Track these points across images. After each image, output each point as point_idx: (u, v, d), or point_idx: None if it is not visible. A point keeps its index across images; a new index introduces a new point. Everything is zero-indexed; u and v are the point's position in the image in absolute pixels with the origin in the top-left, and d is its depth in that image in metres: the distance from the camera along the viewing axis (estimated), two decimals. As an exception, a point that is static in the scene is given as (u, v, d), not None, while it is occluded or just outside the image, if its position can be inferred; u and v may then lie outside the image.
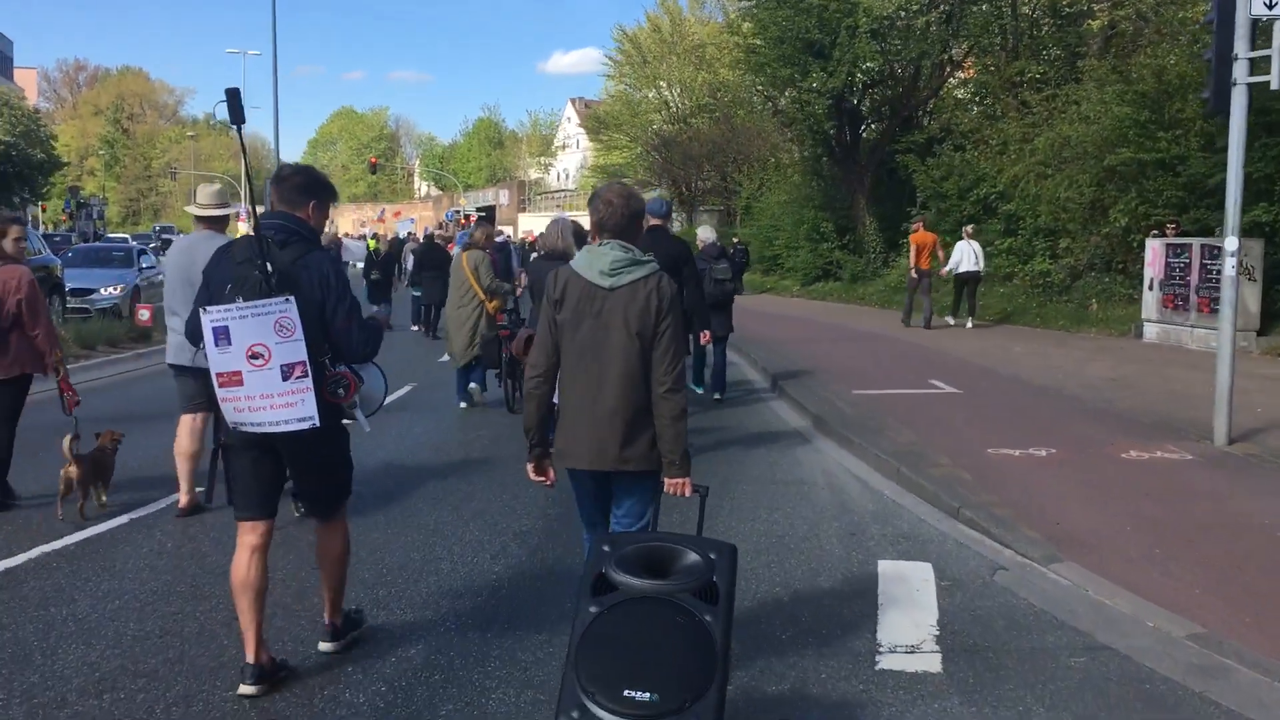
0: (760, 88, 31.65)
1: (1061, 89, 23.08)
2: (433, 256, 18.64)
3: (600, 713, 3.19)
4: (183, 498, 6.70)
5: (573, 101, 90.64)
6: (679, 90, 50.26)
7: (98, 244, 27.41)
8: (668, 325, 4.01)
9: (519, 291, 11.62)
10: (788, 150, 37.36)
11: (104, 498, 6.82)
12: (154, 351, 15.54)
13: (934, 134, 28.04)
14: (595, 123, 56.98)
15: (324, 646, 4.56)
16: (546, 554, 6.07)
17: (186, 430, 6.72)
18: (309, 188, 4.30)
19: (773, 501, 7.32)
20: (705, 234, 11.68)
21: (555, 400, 4.23)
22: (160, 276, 22.20)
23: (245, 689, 4.10)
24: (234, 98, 3.98)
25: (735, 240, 37.16)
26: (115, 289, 20.35)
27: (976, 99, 27.92)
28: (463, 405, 11.12)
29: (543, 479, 4.24)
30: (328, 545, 4.48)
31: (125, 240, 33.58)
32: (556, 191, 79.50)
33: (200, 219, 6.77)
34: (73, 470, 6.48)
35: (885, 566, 5.84)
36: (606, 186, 4.30)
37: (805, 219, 31.85)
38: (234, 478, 4.30)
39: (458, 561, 5.92)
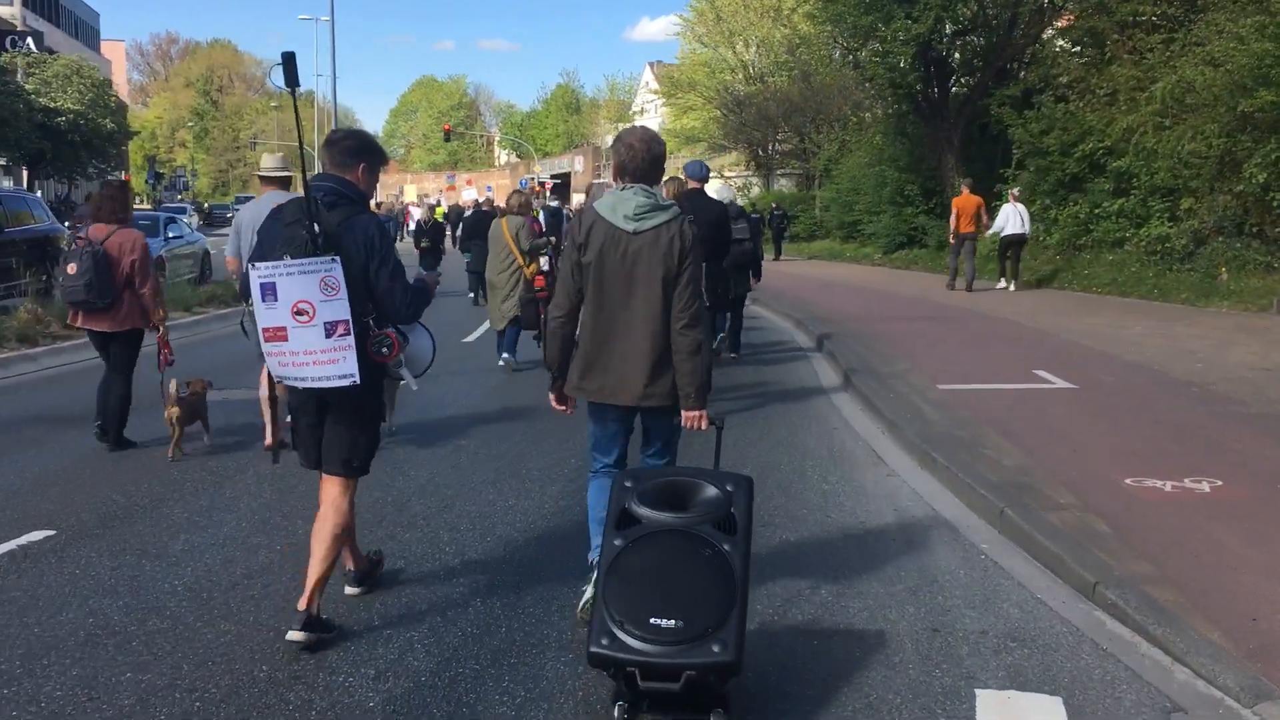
0: (839, 39, 29.11)
1: (1180, 30, 20.33)
2: (480, 225, 17.45)
3: (629, 640, 3.38)
4: (269, 438, 6.75)
5: (650, 65, 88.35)
6: (756, 48, 47.82)
7: None
8: (688, 265, 4.17)
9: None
10: (870, 108, 34.82)
11: (207, 438, 7.59)
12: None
13: (1032, 85, 25.31)
14: (670, 85, 54.65)
15: (350, 590, 4.75)
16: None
17: (266, 377, 6.33)
18: (359, 151, 4.36)
19: (820, 555, 5.25)
20: (723, 194, 11.40)
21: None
22: (188, 246, 20.81)
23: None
24: (289, 62, 4.04)
25: (774, 205, 36.61)
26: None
27: (1081, 44, 25.03)
28: (501, 362, 11.33)
29: (563, 408, 4.52)
30: (324, 514, 4.33)
31: (173, 209, 32.39)
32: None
33: (265, 179, 7.53)
34: (174, 411, 7.12)
35: (988, 700, 3.73)
36: (628, 130, 4.38)
37: (888, 181, 29.40)
38: (295, 433, 4.53)
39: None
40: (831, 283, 23.16)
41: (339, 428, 4.33)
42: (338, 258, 4.01)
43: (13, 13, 59.95)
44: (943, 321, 14.56)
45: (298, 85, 4.10)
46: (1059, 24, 26.51)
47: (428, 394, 8.72)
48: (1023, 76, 26.40)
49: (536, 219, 13.62)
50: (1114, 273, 18.82)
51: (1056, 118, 21.82)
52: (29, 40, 54.87)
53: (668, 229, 4.17)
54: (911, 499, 6.27)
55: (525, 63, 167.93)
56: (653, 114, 79.50)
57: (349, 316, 4.03)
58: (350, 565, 4.72)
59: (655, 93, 67.02)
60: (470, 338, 14.17)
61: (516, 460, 7.24)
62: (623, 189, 4.25)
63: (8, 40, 54.01)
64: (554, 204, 26.72)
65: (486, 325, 12.16)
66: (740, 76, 47.96)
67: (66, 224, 19.16)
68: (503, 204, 13.18)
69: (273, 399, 5.37)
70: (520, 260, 10.89)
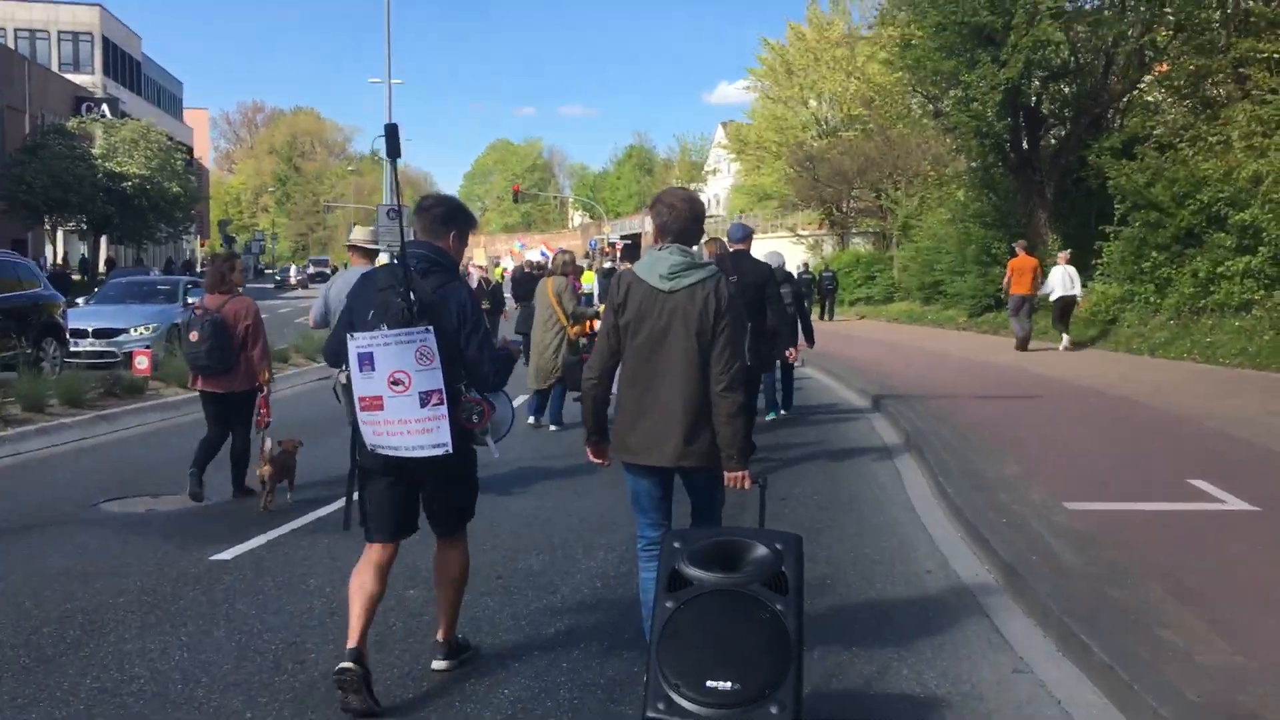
0: (918, 88, 27.13)
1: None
2: (526, 287, 18.21)
3: (685, 704, 3.36)
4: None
5: (723, 125, 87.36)
6: (828, 103, 46.05)
7: (140, 277, 24.80)
8: (725, 325, 4.16)
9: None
10: (952, 162, 32.67)
11: (290, 496, 7.86)
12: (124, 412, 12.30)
13: (1135, 133, 23.03)
14: (739, 143, 53.04)
15: (437, 665, 4.63)
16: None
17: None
18: (450, 217, 4.43)
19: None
20: (773, 260, 10.99)
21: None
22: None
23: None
24: (392, 134, 4.11)
25: (824, 269, 36.07)
26: (147, 329, 17.42)
27: (1186, 88, 22.70)
28: (530, 421, 11.42)
29: (601, 461, 4.51)
30: (447, 565, 4.54)
31: (156, 274, 31.75)
32: (707, 217, 75.75)
33: (356, 250, 7.84)
34: (266, 470, 7.51)
35: None
36: (667, 190, 4.43)
37: (973, 239, 27.14)
38: (368, 500, 4.39)
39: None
40: (910, 349, 20.97)
41: (442, 495, 4.40)
42: (431, 327, 4.04)
43: (93, 80, 60.81)
44: (1048, 401, 12.33)
45: (399, 155, 4.12)
46: (1159, 69, 24.25)
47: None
48: (1120, 125, 24.16)
49: (579, 280, 13.42)
50: (1243, 342, 16.36)
51: (1165, 167, 19.50)
52: (104, 107, 55.35)
53: (703, 287, 4.18)
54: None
55: (602, 127, 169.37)
56: (725, 173, 78.20)
57: (443, 386, 4.07)
58: (440, 636, 4.65)
59: (723, 147, 65.67)
60: (518, 401, 12.40)
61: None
62: (660, 249, 4.30)
63: (83, 106, 54.52)
64: (609, 265, 25.00)
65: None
66: (812, 132, 46.14)
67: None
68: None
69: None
70: (563, 320, 11.01)
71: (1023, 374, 15.36)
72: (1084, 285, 23.19)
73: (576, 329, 11.10)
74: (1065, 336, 19.77)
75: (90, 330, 17.30)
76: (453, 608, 4.57)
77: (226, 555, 6.44)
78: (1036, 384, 14.06)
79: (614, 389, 4.44)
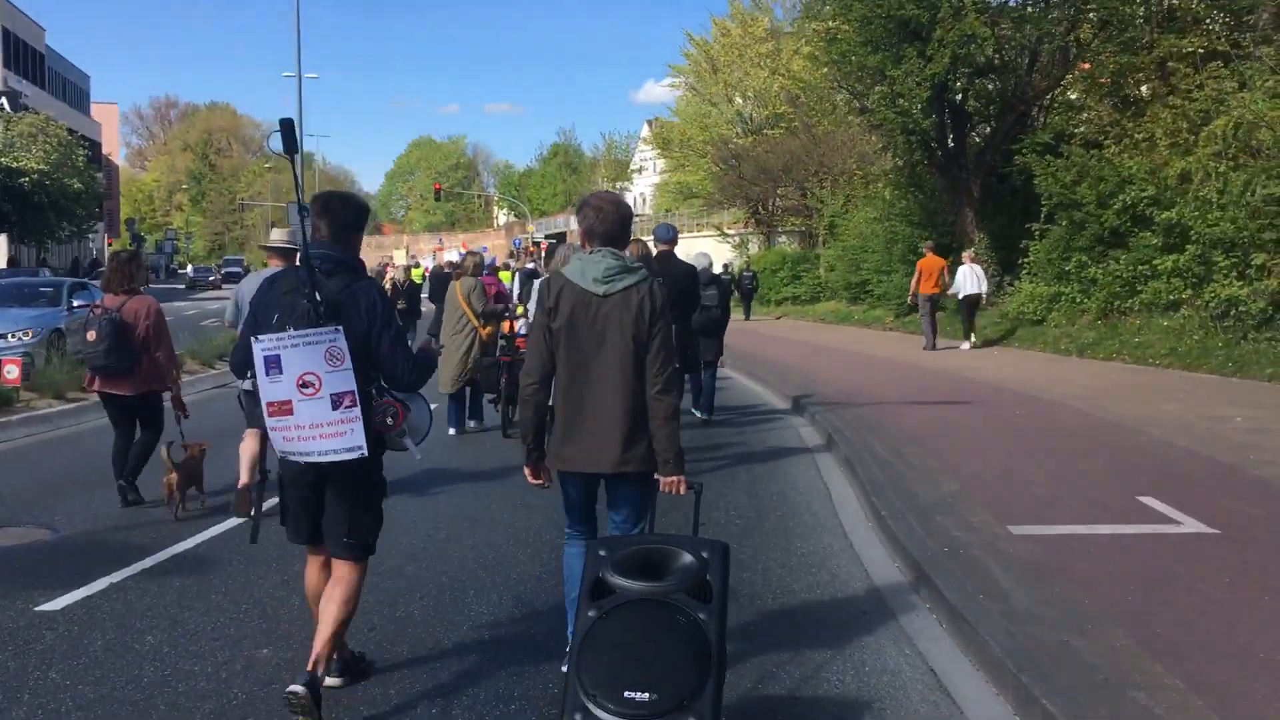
0: (843, 84, 26.65)
1: (1230, 65, 17.86)
2: (441, 288, 17.13)
3: (602, 714, 3.27)
4: (243, 477, 7.38)
5: (649, 123, 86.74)
6: (753, 100, 45.66)
7: (22, 279, 23.32)
8: (659, 329, 4.12)
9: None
10: (878, 160, 32.36)
11: (205, 501, 7.74)
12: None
13: (1061, 130, 22.80)
14: (663, 141, 52.44)
15: (331, 682, 4.35)
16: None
17: (252, 435, 7.26)
18: (358, 221, 4.33)
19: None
20: (699, 261, 11.32)
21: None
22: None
23: (330, 681, 4.21)
24: (288, 128, 3.98)
25: (745, 268, 36.11)
26: (25, 334, 16.16)
27: (1108, 87, 22.52)
28: (452, 432, 11.13)
29: (539, 482, 4.36)
30: (335, 588, 4.19)
31: (47, 274, 30.42)
32: (634, 217, 75.07)
33: (273, 251, 7.44)
34: (173, 477, 7.36)
35: None
36: (595, 194, 4.41)
37: (899, 238, 26.85)
38: (286, 508, 4.29)
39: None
40: (835, 350, 20.51)
41: (340, 506, 4.19)
42: (340, 327, 3.95)
43: (-8, 74, 58.16)
44: (980, 406, 11.80)
45: (297, 151, 4.05)
46: (1082, 68, 24.09)
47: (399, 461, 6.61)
48: (1045, 122, 23.96)
49: (497, 280, 13.14)
50: (1172, 341, 16.07)
51: (1090, 165, 19.22)
52: (3, 100, 52.86)
53: (637, 290, 4.15)
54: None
55: (529, 125, 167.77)
56: (651, 171, 77.71)
57: (355, 387, 3.96)
58: (335, 653, 4.32)
59: (648, 143, 64.98)
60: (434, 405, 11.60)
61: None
62: (591, 252, 4.24)
63: (-20, 101, 52.02)
64: (529, 266, 24.15)
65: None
66: (737, 129, 45.71)
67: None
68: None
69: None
70: (475, 323, 10.84)
71: (951, 378, 14.86)
72: (1010, 284, 23.00)
73: (489, 329, 10.93)
74: (971, 335, 20.09)
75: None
76: (339, 624, 4.18)
77: (55, 605, 5.52)
78: (966, 388, 13.56)
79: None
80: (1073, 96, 25.05)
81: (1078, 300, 19.56)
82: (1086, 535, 6.26)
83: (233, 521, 7.25)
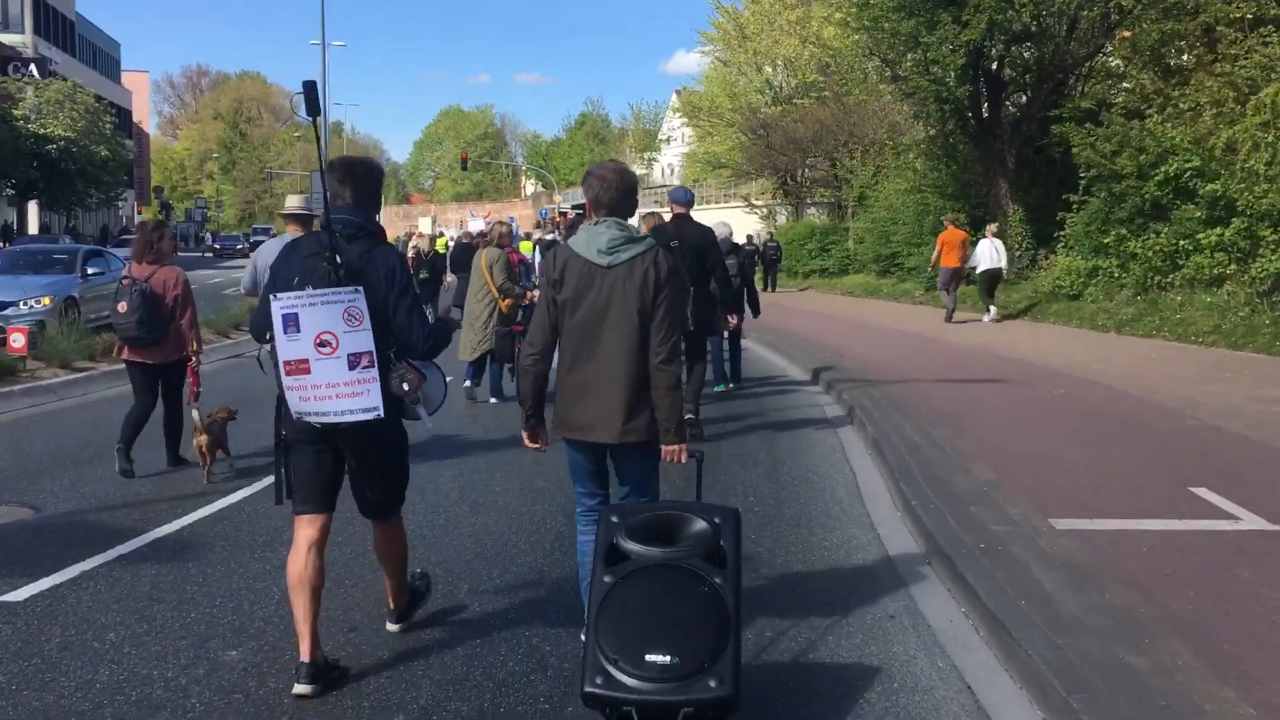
0: (875, 51, 25.87)
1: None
2: (464, 258, 17.11)
3: (624, 678, 3.32)
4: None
5: (677, 92, 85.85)
6: (782, 69, 44.81)
7: (38, 246, 23.00)
8: (664, 299, 4.07)
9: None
10: (909, 129, 31.57)
11: (231, 463, 7.84)
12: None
13: (1100, 99, 22.03)
14: (691, 109, 51.65)
15: (391, 627, 4.63)
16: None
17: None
18: (377, 187, 4.33)
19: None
20: (720, 230, 10.89)
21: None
22: (114, 281, 17.75)
23: (300, 688, 3.99)
24: (310, 91, 3.98)
25: (769, 239, 35.48)
26: (41, 301, 15.86)
27: (1148, 54, 21.68)
28: (467, 384, 11.36)
29: (536, 445, 4.35)
30: (387, 545, 4.44)
31: (67, 241, 30.34)
32: (660, 187, 74.27)
33: (289, 217, 7.81)
34: (203, 440, 7.43)
35: None
36: (600, 164, 4.35)
37: (930, 210, 26.13)
38: (294, 471, 4.22)
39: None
40: (863, 323, 19.99)
41: (369, 470, 4.22)
42: (360, 288, 3.94)
43: (23, 40, 58.04)
44: (1015, 386, 11.25)
45: (319, 114, 4.07)
46: (1124, 34, 23.23)
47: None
48: (1083, 91, 23.18)
49: (517, 250, 13.48)
50: (1216, 319, 15.41)
51: (1131, 135, 18.47)
52: (32, 66, 52.69)
53: (641, 260, 4.11)
54: None
55: (559, 96, 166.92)
56: (680, 141, 76.82)
57: (373, 348, 3.95)
58: (391, 604, 4.61)
59: (674, 110, 64.18)
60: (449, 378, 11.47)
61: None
62: (596, 223, 4.22)
63: (10, 66, 51.83)
64: (549, 237, 23.67)
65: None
66: (766, 98, 44.88)
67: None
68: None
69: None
70: (494, 293, 10.92)
71: (984, 353, 14.31)
72: (1046, 258, 22.33)
73: (509, 301, 10.98)
74: (992, 308, 20.00)
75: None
76: (398, 579, 4.54)
77: (19, 595, 5.14)
78: (999, 365, 13.00)
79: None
80: (1113, 64, 24.23)
81: (1116, 275, 18.88)
82: (1136, 531, 5.75)
83: (220, 503, 6.88)
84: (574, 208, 65.82)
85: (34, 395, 11.45)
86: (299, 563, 4.11)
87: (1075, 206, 19.99)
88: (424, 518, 6.58)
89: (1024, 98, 24.38)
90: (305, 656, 4.00)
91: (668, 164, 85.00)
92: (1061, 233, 20.86)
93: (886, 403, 10.13)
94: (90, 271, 17.61)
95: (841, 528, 6.44)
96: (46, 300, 16.01)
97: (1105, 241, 18.96)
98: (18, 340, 12.42)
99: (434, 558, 5.75)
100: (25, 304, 15.80)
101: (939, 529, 5.81)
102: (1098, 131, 19.12)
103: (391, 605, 4.61)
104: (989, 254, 19.68)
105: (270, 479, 6.99)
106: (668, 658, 3.30)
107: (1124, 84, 23.16)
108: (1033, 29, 23.03)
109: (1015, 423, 9.12)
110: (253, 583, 5.31)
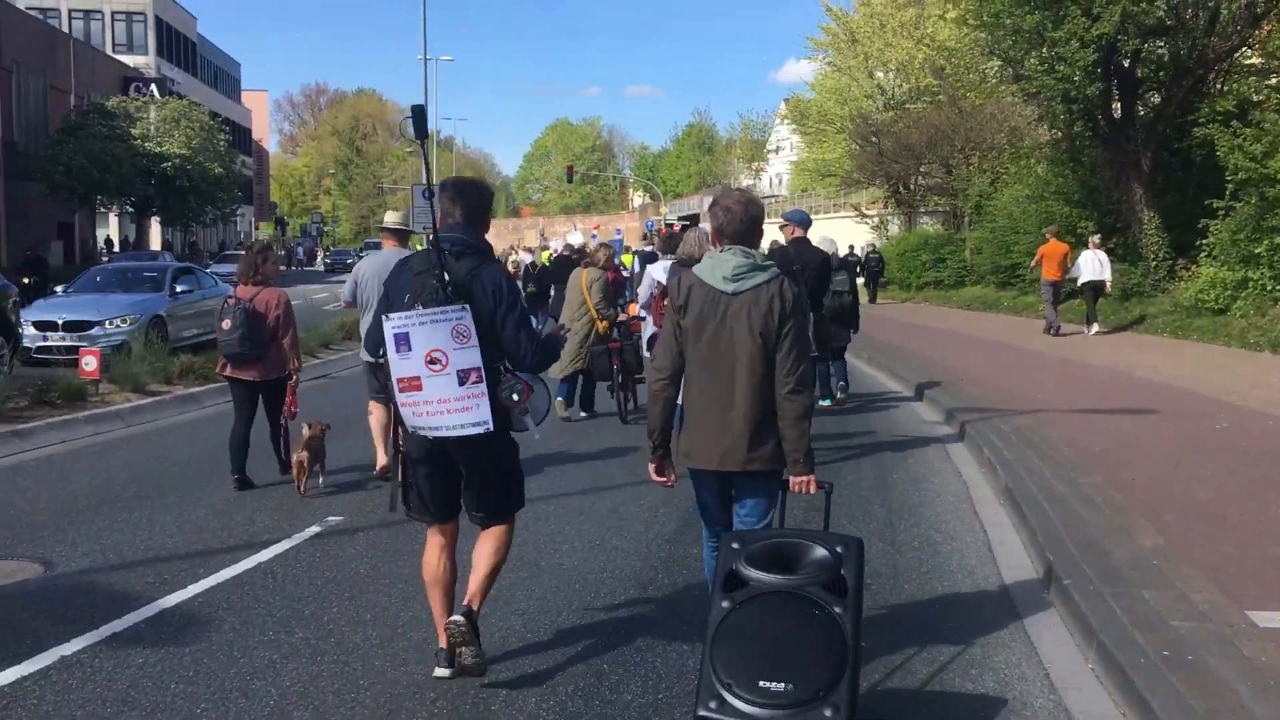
0: (995, 50, 24.32)
1: None
2: (562, 272, 16.75)
3: (738, 703, 3.33)
4: (381, 459, 8.00)
5: (786, 101, 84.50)
6: (894, 73, 43.20)
7: (129, 264, 22.80)
8: (790, 328, 4.08)
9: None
10: (1031, 133, 29.82)
11: (322, 479, 8.06)
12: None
13: (1245, 98, 20.18)
14: (800, 115, 50.30)
15: (456, 618, 4.43)
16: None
17: (379, 408, 8.02)
18: (485, 205, 4.49)
19: None
20: (827, 247, 10.88)
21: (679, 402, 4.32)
22: (207, 302, 17.41)
23: (440, 671, 4.38)
24: (419, 114, 4.19)
25: (871, 250, 34.82)
26: (124, 321, 15.50)
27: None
28: (559, 400, 11.05)
29: (664, 480, 4.39)
30: (489, 551, 4.45)
31: (163, 259, 30.50)
32: (768, 197, 73.02)
33: (387, 232, 8.47)
34: (303, 455, 7.73)
35: None
36: (725, 193, 4.39)
37: (1055, 218, 24.41)
38: (412, 486, 4.40)
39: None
40: (981, 340, 18.59)
41: (477, 486, 4.37)
42: (468, 306, 4.07)
43: (146, 61, 59.85)
44: (1167, 417, 9.88)
45: (426, 137, 4.28)
46: (1267, 28, 21.28)
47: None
48: (1224, 89, 21.32)
49: (617, 271, 13.41)
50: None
51: (1284, 135, 16.68)
52: (152, 86, 54.08)
53: (767, 289, 4.11)
54: None
55: (669, 107, 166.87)
56: (789, 150, 75.45)
57: (481, 364, 4.07)
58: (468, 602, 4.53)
59: (782, 117, 62.86)
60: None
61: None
62: (721, 250, 4.23)
63: (132, 87, 53.27)
64: (649, 249, 22.77)
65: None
66: (877, 103, 43.32)
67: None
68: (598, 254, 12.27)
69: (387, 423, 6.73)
70: (594, 313, 11.06)
71: (1121, 376, 12.87)
72: (1187, 269, 20.59)
73: (605, 323, 11.12)
74: (1095, 323, 19.67)
75: (60, 323, 15.42)
76: (489, 568, 4.46)
77: (6, 678, 4.35)
78: (1143, 391, 11.58)
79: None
80: (1257, 61, 22.27)
81: (1269, 287, 17.14)
82: (1363, 630, 4.47)
83: (248, 561, 6.04)
84: (680, 218, 64.98)
85: (98, 422, 10.90)
86: (431, 562, 4.42)
87: (1221, 213, 18.27)
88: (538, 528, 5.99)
89: (1158, 97, 22.58)
90: (444, 644, 4.33)
91: (775, 173, 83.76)
92: (1203, 241, 19.13)
93: (1018, 439, 8.88)
94: (179, 289, 17.29)
95: (977, 620, 5.14)
96: (130, 320, 15.64)
97: (1257, 251, 17.26)
98: (90, 363, 11.95)
99: (554, 567, 5.32)
100: (111, 323, 15.48)
101: (1103, 625, 4.61)
102: (1246, 132, 17.42)
103: (466, 602, 4.43)
104: (1092, 265, 19.23)
105: (318, 524, 6.99)
106: (783, 685, 3.31)
107: (1270, 80, 21.24)
108: (1169, 22, 21.31)
109: (1175, 467, 7.80)
110: (249, 681, 4.41)
